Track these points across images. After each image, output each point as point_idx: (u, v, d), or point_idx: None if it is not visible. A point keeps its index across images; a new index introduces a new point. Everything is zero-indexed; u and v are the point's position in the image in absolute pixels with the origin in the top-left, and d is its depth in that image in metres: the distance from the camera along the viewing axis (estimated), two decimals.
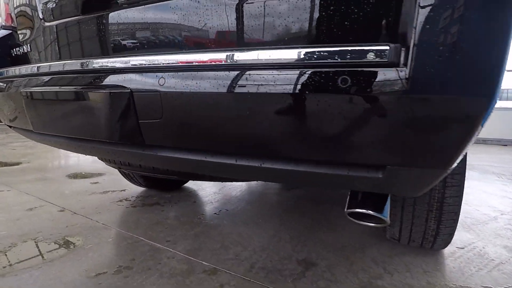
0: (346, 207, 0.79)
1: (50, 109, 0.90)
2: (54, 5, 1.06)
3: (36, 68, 0.98)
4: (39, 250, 1.45)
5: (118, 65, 0.76)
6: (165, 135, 0.74)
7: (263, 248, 1.53)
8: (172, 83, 0.67)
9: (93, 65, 0.81)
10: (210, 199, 2.34)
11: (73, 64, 0.85)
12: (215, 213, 2.03)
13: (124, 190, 2.49)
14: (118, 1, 0.86)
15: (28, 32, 1.26)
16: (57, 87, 0.87)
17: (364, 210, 0.75)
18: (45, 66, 0.95)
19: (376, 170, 0.63)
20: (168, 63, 0.67)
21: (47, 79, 0.94)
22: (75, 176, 3.00)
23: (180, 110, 0.68)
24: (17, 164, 3.56)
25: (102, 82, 0.78)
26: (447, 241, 1.37)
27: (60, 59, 0.95)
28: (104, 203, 2.17)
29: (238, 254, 1.47)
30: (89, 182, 2.75)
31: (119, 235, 1.64)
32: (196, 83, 0.64)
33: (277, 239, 1.64)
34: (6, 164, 3.54)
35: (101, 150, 0.90)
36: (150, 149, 0.81)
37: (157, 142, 0.77)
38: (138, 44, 0.77)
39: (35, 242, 1.54)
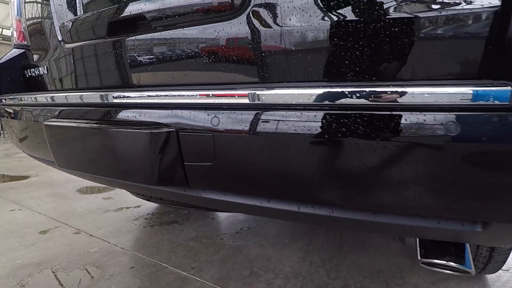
0: (419, 255, 0.70)
1: (77, 146, 0.81)
2: (75, 25, 0.97)
3: (58, 97, 0.89)
4: (59, 282, 1.36)
5: (158, 99, 0.66)
6: (216, 179, 0.65)
7: (296, 275, 1.43)
8: (229, 123, 0.57)
9: (127, 98, 0.72)
10: (228, 215, 2.25)
11: (103, 96, 0.75)
12: (237, 232, 1.94)
13: (138, 207, 2.40)
14: (152, 24, 0.77)
15: (44, 52, 1.17)
16: (85, 122, 0.78)
17: (445, 262, 0.65)
18: (69, 96, 0.85)
19: (473, 223, 0.54)
20: (222, 100, 0.58)
21: (73, 112, 0.84)
22: (86, 190, 2.91)
23: (238, 154, 0.59)
24: (25, 177, 3.48)
25: (139, 118, 0.69)
26: (498, 268, 1.27)
27: (84, 88, 0.86)
28: (120, 223, 2.08)
29: (270, 282, 1.37)
30: (101, 197, 2.67)
31: (141, 262, 1.55)
32: (259, 124, 0.55)
33: (308, 262, 1.55)
34: (14, 178, 3.46)
35: (134, 187, 0.81)
36: (193, 190, 0.72)
37: (203, 186, 0.68)
38: (180, 75, 0.67)
39: (54, 272, 1.45)
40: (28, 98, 1.04)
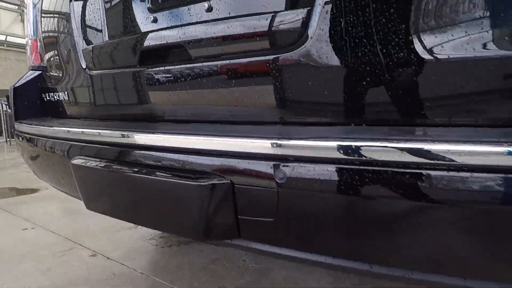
0: None
1: (112, 192, 0.73)
2: (102, 51, 0.91)
3: (85, 133, 0.81)
4: None
5: (209, 145, 0.59)
6: (275, 234, 0.58)
7: None
8: (298, 175, 0.50)
9: (168, 141, 0.64)
10: None
11: (139, 137, 0.67)
12: None
13: None
14: (191, 54, 0.70)
15: (64, 77, 1.11)
16: (121, 165, 0.70)
17: None
18: (99, 132, 0.77)
19: None
20: (289, 151, 0.51)
21: (106, 151, 0.77)
22: None
23: (307, 212, 0.52)
24: (35, 191, 3.43)
25: (184, 166, 0.61)
26: None
27: (114, 121, 0.79)
28: (136, 242, 2.01)
29: None
30: None
31: None
32: (340, 180, 0.47)
33: None
34: (24, 192, 3.41)
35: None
36: (243, 241, 0.64)
37: (258, 239, 0.61)
38: (232, 115, 0.60)
39: None
40: (50, 128, 0.97)
